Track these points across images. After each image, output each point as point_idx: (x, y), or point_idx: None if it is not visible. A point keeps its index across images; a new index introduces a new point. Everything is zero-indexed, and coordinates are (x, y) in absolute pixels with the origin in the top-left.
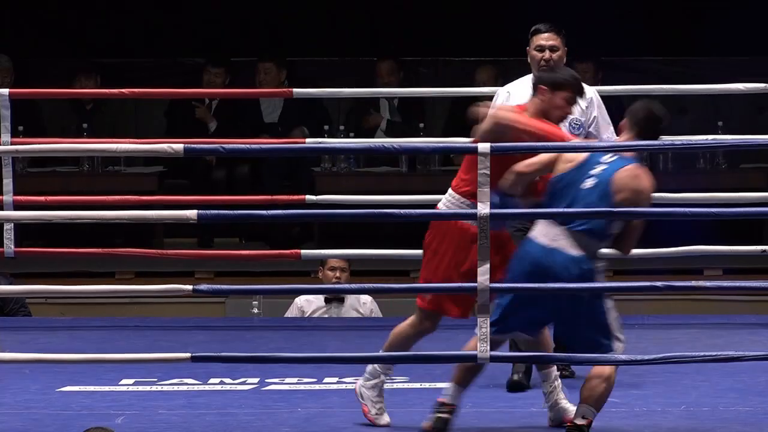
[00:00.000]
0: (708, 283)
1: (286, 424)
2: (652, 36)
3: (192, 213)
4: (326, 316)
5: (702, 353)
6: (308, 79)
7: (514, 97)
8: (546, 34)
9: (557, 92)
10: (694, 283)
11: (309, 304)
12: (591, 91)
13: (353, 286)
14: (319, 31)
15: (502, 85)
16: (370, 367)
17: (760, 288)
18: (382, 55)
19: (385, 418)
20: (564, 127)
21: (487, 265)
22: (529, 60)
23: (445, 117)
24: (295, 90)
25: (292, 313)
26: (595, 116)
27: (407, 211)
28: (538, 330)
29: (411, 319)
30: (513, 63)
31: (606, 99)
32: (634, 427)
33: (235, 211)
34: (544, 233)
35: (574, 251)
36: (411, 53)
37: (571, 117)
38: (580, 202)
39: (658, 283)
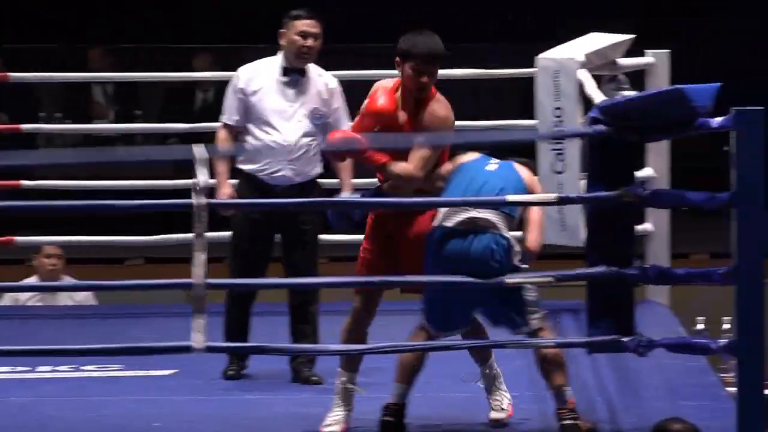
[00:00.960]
0: None
1: None
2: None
3: None
4: (40, 303)
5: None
6: (23, 65)
7: (258, 78)
8: (310, 21)
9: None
10: None
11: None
12: (335, 82)
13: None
14: (33, 18)
15: (220, 71)
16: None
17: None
18: (95, 42)
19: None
20: (306, 118)
21: (204, 256)
22: (283, 43)
23: (160, 104)
24: (11, 74)
25: (6, 300)
26: (336, 107)
27: (122, 202)
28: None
29: None
30: (228, 50)
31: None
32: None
33: None
34: (453, 218)
35: (490, 232)
36: (126, 40)
37: (313, 106)
38: (486, 185)
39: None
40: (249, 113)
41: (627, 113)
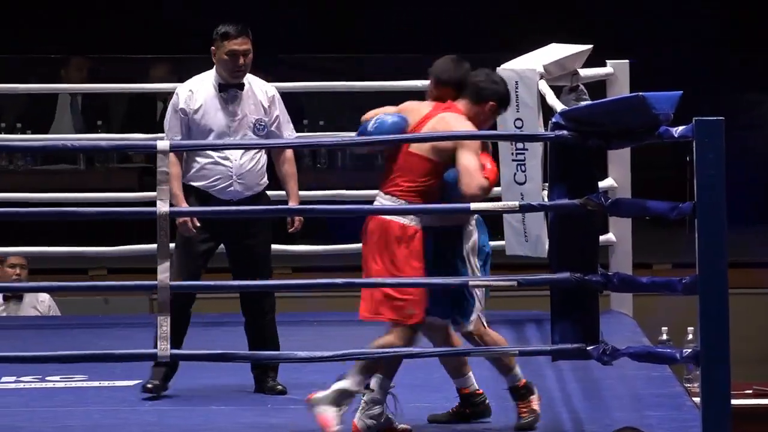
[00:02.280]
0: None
1: None
2: (318, 32)
3: None
4: (4, 314)
5: (377, 351)
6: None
7: (197, 95)
8: (239, 39)
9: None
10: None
11: None
12: (273, 90)
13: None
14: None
15: (178, 81)
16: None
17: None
18: (71, 52)
19: None
20: (249, 127)
21: (167, 263)
22: (215, 60)
23: (123, 114)
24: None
25: None
26: (277, 115)
27: (85, 209)
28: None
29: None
30: (188, 60)
31: (286, 95)
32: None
33: None
34: None
35: None
36: (92, 51)
37: (255, 118)
38: None
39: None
40: (192, 132)
41: (589, 119)
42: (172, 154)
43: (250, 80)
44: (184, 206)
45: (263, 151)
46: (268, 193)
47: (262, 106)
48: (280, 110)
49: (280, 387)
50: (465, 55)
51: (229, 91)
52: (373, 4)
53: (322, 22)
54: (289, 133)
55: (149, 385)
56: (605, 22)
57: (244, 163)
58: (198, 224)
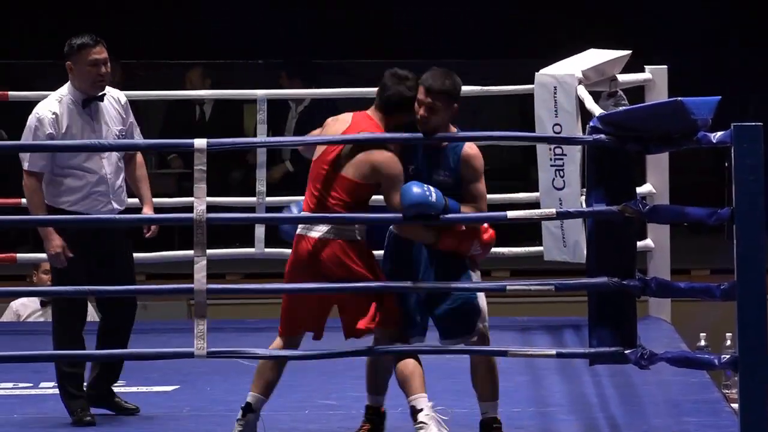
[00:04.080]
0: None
1: (2, 430)
2: (356, 39)
3: None
4: (42, 319)
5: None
6: (21, 81)
7: (62, 117)
8: (97, 48)
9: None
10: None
11: (25, 308)
12: (123, 95)
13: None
14: (28, 32)
15: (212, 87)
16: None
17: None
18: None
19: None
20: (114, 139)
21: (204, 262)
22: (72, 74)
23: (161, 120)
24: (11, 93)
25: (7, 317)
26: (131, 121)
27: (122, 216)
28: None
29: None
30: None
31: (318, 101)
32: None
33: None
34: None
35: None
36: (130, 56)
37: (118, 129)
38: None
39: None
40: (57, 156)
41: (628, 123)
42: (32, 180)
43: (105, 90)
44: (57, 241)
45: (121, 162)
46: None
47: (120, 114)
48: (131, 116)
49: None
50: (503, 61)
51: (92, 105)
52: (411, 11)
53: (360, 29)
54: (138, 136)
55: (87, 418)
56: (644, 27)
57: (115, 180)
58: (70, 255)
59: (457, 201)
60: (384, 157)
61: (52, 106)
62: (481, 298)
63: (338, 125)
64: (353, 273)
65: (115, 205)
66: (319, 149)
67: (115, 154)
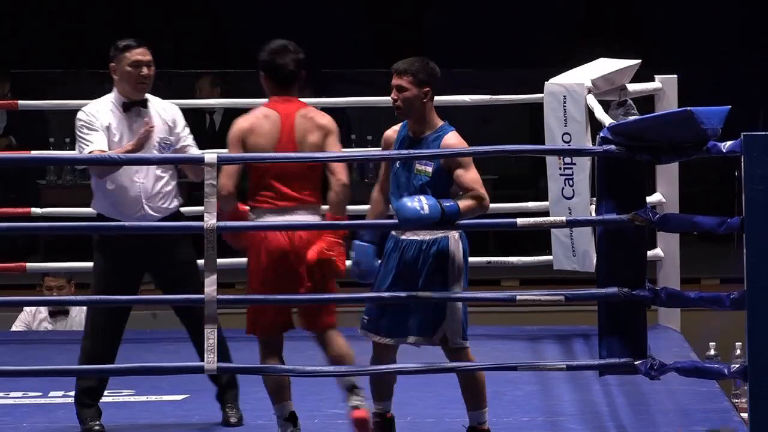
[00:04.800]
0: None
1: None
2: (376, 47)
3: None
4: (51, 328)
5: (420, 365)
6: (32, 91)
7: (102, 120)
8: (140, 49)
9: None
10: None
11: (34, 317)
12: (175, 108)
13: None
14: (42, 42)
15: (224, 96)
16: None
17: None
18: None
19: None
20: (154, 146)
21: (214, 276)
22: (116, 77)
23: None
24: (20, 102)
25: (17, 326)
26: (179, 133)
27: (133, 224)
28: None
29: None
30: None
31: (330, 110)
32: None
33: None
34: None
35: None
36: None
37: (160, 137)
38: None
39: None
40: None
41: (638, 133)
42: None
43: (151, 99)
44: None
45: (172, 173)
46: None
47: (167, 124)
48: (184, 127)
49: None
50: (516, 70)
51: (133, 109)
52: (428, 20)
53: (371, 38)
54: (195, 150)
55: (96, 428)
56: (654, 37)
57: (152, 186)
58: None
59: (442, 188)
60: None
61: (92, 107)
62: (456, 310)
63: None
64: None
65: (150, 211)
66: None
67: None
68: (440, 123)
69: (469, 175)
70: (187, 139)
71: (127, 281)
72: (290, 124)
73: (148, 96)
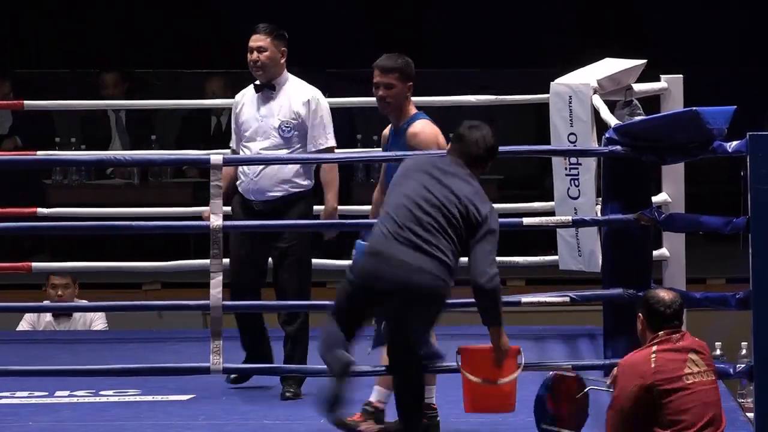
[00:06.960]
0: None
1: None
2: (376, 47)
3: None
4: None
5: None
6: (35, 91)
7: (244, 98)
8: (255, 35)
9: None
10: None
11: (38, 318)
12: (311, 96)
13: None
14: (44, 43)
15: (233, 96)
16: None
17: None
18: (107, 67)
19: None
20: (273, 128)
21: (220, 278)
22: None
23: (177, 129)
24: (26, 102)
25: (23, 327)
26: (311, 122)
27: (139, 223)
28: None
29: None
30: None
31: (335, 110)
32: None
33: None
34: None
35: None
36: (141, 65)
37: (280, 120)
38: None
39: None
40: (239, 132)
41: (643, 134)
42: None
43: (291, 83)
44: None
45: (292, 150)
46: None
47: (291, 109)
48: (315, 118)
49: (289, 393)
50: (522, 70)
51: (264, 91)
52: (428, 20)
53: (376, 37)
54: (321, 142)
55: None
56: (660, 37)
57: (260, 166)
58: None
59: None
60: None
61: (243, 90)
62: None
63: None
64: None
65: (254, 188)
66: None
67: (276, 137)
68: (414, 112)
69: None
70: (315, 128)
71: (247, 260)
72: None
73: (290, 79)
